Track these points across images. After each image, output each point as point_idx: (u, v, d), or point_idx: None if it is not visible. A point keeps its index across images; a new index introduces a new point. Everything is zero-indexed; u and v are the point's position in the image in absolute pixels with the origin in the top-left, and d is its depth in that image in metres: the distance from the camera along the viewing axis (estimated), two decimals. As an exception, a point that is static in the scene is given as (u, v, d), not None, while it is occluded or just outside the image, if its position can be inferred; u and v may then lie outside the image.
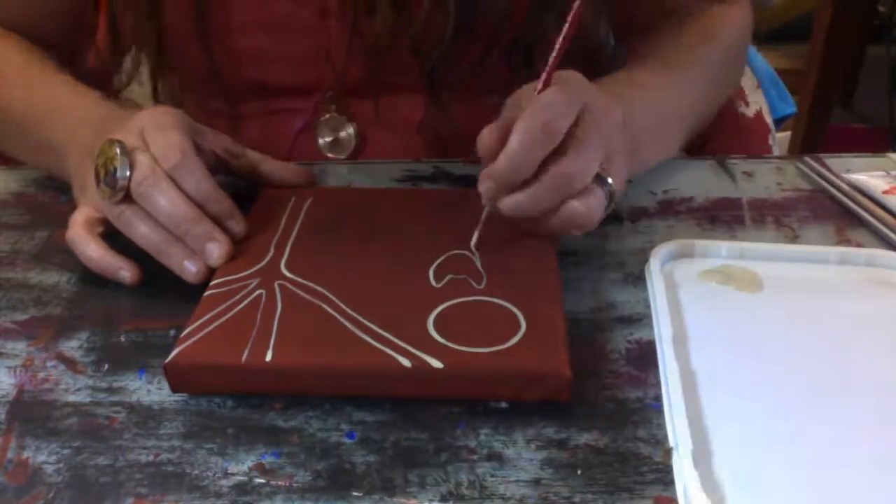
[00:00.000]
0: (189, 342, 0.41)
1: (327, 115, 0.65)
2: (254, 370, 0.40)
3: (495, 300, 0.44)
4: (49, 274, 0.51)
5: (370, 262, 0.47)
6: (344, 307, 0.43)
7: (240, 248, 0.48)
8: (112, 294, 0.49)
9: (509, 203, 0.45)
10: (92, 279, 0.50)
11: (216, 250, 0.46)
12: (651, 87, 0.58)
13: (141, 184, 0.46)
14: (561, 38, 0.45)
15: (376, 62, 0.61)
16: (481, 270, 0.46)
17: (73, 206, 0.57)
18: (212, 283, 0.45)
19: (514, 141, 0.43)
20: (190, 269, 0.46)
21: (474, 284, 0.45)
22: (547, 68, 0.46)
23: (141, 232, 0.47)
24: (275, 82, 0.64)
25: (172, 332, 0.45)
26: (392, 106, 0.65)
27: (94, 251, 0.48)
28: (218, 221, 0.47)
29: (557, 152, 0.44)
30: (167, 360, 0.40)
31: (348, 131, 0.65)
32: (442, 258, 0.47)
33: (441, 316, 0.42)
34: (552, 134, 0.44)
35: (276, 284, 0.45)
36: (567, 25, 0.45)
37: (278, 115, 0.66)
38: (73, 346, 0.45)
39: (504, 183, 0.45)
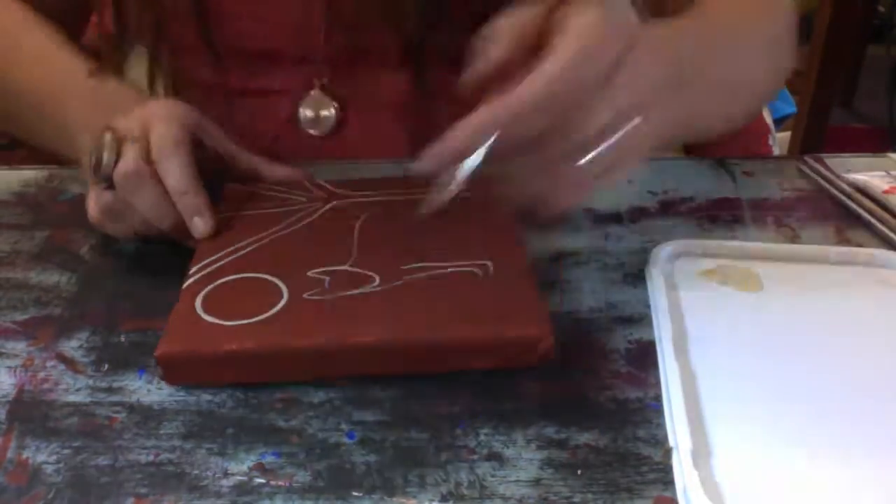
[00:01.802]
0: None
1: (312, 92, 0.65)
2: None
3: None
4: (49, 274, 0.51)
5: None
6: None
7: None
8: (112, 294, 0.49)
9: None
10: (92, 279, 0.50)
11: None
12: (733, 33, 0.53)
13: (124, 176, 0.47)
14: None
15: (354, 37, 0.61)
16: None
17: (73, 206, 0.57)
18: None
19: (537, 79, 0.36)
20: (199, 225, 0.47)
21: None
22: None
23: (124, 218, 0.48)
24: (262, 50, 0.64)
25: (172, 332, 0.45)
26: (375, 83, 0.65)
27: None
28: (188, 215, 0.48)
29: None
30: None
31: (330, 111, 0.65)
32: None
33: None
34: (575, 87, 0.37)
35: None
36: None
37: (266, 97, 0.66)
38: (73, 346, 0.45)
39: (512, 119, 0.37)
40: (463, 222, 0.48)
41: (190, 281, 0.45)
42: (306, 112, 0.66)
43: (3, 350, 0.45)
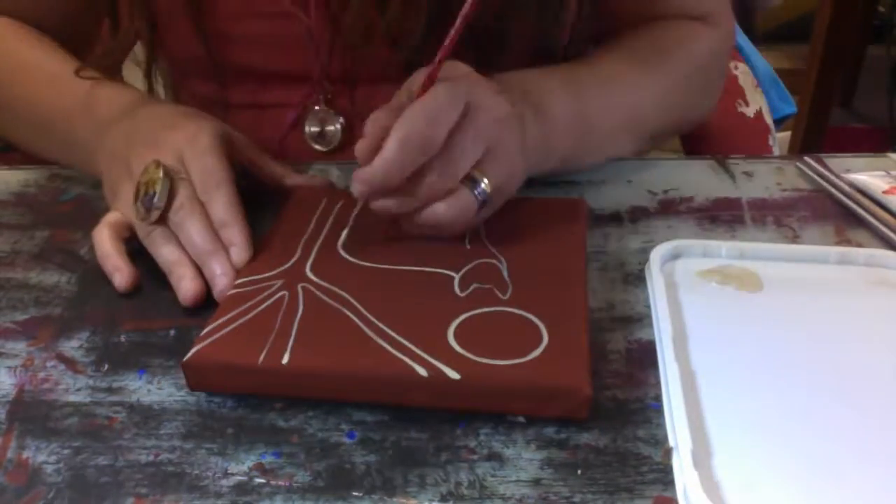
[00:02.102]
0: (208, 341, 0.41)
1: (317, 108, 0.65)
2: (270, 372, 0.40)
3: (519, 311, 0.43)
4: (49, 274, 0.51)
5: (396, 269, 0.47)
6: (365, 313, 0.43)
7: (268, 248, 0.48)
8: (112, 294, 0.49)
9: (378, 205, 0.46)
10: (92, 279, 0.50)
11: (222, 283, 0.47)
12: (613, 78, 0.58)
13: (177, 212, 0.48)
14: (452, 32, 0.44)
15: (356, 54, 0.62)
16: (507, 280, 0.45)
17: (73, 206, 0.57)
18: (237, 282, 0.45)
19: (388, 150, 0.44)
20: (186, 287, 0.47)
21: (499, 295, 0.44)
22: (434, 61, 0.45)
23: (163, 252, 0.48)
24: (264, 68, 0.64)
25: (172, 332, 0.45)
26: (374, 98, 0.64)
27: (103, 246, 0.49)
28: (228, 244, 0.48)
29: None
30: (185, 358, 0.40)
31: (335, 126, 0.65)
32: (469, 266, 0.47)
33: (462, 326, 0.42)
34: (428, 144, 0.44)
35: (299, 287, 0.45)
36: (459, 20, 0.44)
37: (268, 110, 0.66)
38: (73, 346, 0.45)
39: (375, 189, 0.45)
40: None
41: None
42: (311, 128, 0.65)
43: (3, 350, 0.45)
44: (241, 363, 0.40)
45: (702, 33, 0.64)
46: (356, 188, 0.46)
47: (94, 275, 0.50)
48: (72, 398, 0.41)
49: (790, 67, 2.00)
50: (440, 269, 0.46)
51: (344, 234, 0.49)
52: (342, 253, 0.48)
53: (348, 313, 0.43)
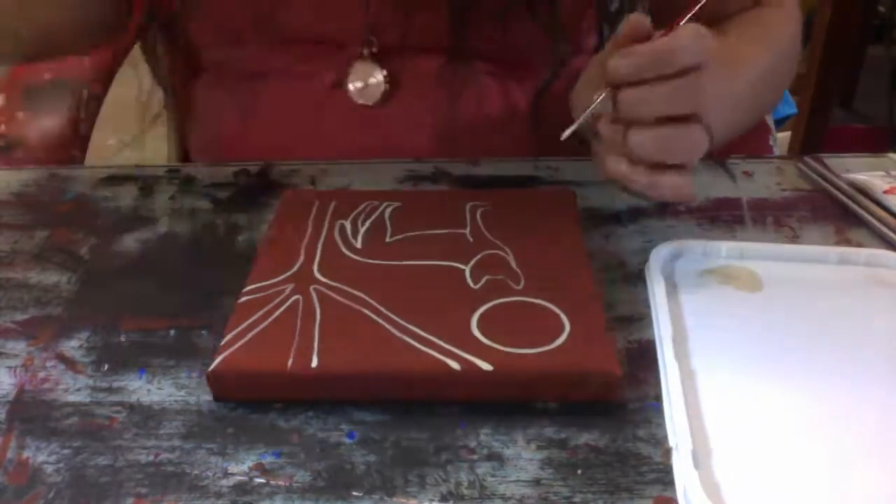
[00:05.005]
0: (231, 349, 0.40)
1: (357, 62, 0.65)
2: (300, 377, 0.39)
3: (536, 300, 0.43)
4: (49, 274, 0.51)
5: (403, 265, 0.47)
6: (383, 310, 0.43)
7: (269, 253, 0.48)
8: (112, 294, 0.49)
9: (629, 96, 0.44)
10: (92, 279, 0.50)
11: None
12: (735, 59, 0.58)
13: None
14: None
15: (405, 14, 0.62)
16: (517, 270, 0.46)
17: (73, 206, 0.57)
18: (245, 289, 0.45)
19: (681, 34, 0.43)
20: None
21: (513, 285, 0.45)
22: (686, 12, 0.45)
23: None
24: (309, 30, 0.64)
25: (172, 332, 0.45)
26: (421, 62, 0.65)
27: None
28: None
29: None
30: (210, 369, 0.40)
31: (377, 77, 0.65)
32: (477, 258, 0.47)
33: (484, 318, 0.42)
34: (691, 54, 0.43)
35: (311, 289, 0.45)
36: None
37: (308, 75, 0.66)
38: (73, 346, 0.45)
39: (640, 68, 0.43)
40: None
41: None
42: (355, 83, 0.65)
43: (3, 350, 0.45)
44: (270, 370, 0.40)
45: (780, 17, 0.66)
46: (625, 61, 0.43)
47: (94, 275, 0.50)
48: (72, 398, 0.41)
49: (790, 67, 2.00)
50: (448, 262, 0.47)
51: (347, 232, 0.49)
52: (346, 252, 0.48)
53: (367, 312, 0.43)
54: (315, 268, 0.47)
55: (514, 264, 0.46)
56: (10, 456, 0.38)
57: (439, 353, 0.40)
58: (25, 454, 0.38)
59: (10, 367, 0.43)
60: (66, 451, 0.38)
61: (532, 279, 0.45)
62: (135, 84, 0.70)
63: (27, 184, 0.61)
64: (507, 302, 0.43)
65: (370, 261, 0.47)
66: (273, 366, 0.40)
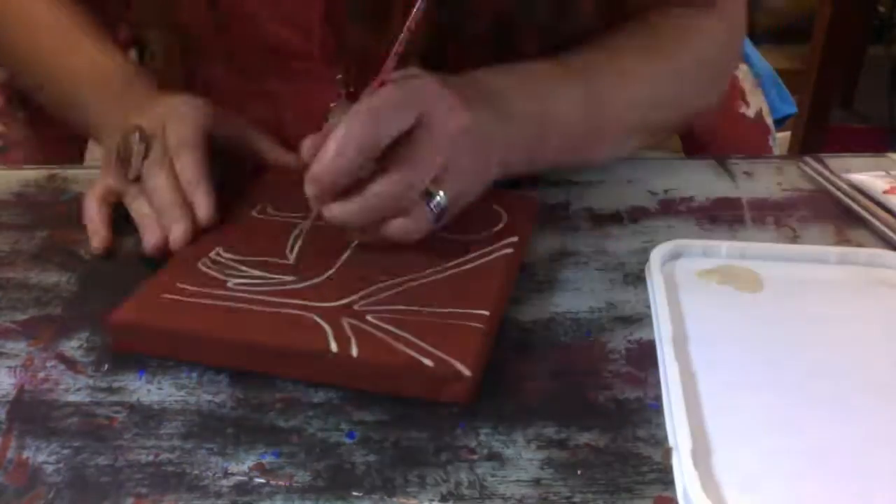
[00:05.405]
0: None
1: (335, 103, 0.63)
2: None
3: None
4: (49, 274, 0.51)
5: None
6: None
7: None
8: (112, 294, 0.48)
9: (330, 212, 0.46)
10: (92, 279, 0.50)
11: (177, 232, 0.50)
12: (618, 70, 0.56)
13: (148, 168, 0.52)
14: (399, 39, 0.44)
15: (372, 35, 0.59)
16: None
17: (73, 206, 0.57)
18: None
19: (330, 147, 0.43)
20: (148, 239, 0.50)
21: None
22: (382, 70, 0.45)
23: (134, 206, 0.52)
24: (281, 46, 0.63)
25: (172, 332, 0.45)
26: None
27: (89, 209, 0.53)
28: (193, 202, 0.51)
29: (383, 167, 0.44)
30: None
31: None
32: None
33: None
34: (370, 144, 0.43)
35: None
36: (406, 26, 0.44)
37: (306, 93, 0.65)
38: (73, 346, 0.45)
39: (324, 189, 0.45)
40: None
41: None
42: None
43: (3, 350, 0.44)
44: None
45: (705, 25, 0.61)
46: (308, 190, 0.45)
47: (94, 275, 0.50)
48: (72, 398, 0.41)
49: (790, 67, 2.00)
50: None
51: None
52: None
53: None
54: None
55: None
56: (10, 456, 0.38)
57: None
58: (25, 454, 0.38)
59: (10, 367, 0.43)
60: (66, 451, 0.38)
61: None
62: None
63: (27, 184, 0.61)
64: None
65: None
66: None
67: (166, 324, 0.43)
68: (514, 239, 0.49)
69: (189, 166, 0.51)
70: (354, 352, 0.40)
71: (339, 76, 0.62)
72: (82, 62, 0.61)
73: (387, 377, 0.40)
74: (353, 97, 0.62)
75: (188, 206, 0.50)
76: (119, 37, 0.70)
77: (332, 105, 0.64)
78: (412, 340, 0.41)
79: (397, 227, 0.46)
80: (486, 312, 0.43)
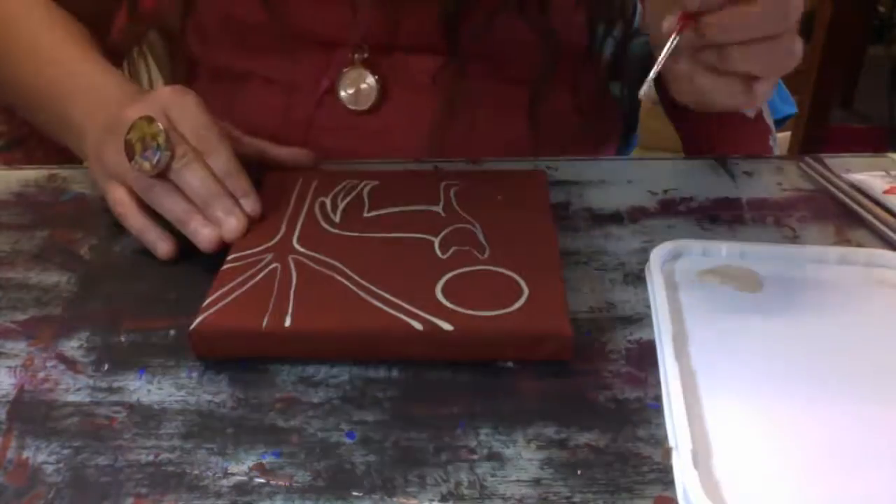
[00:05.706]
0: (211, 311, 0.43)
1: (348, 68, 0.65)
2: (273, 335, 0.42)
3: (498, 269, 0.46)
4: (49, 274, 0.51)
5: (378, 237, 0.49)
6: (356, 277, 0.45)
7: (253, 226, 0.50)
8: (112, 294, 0.49)
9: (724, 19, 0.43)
10: (92, 279, 0.50)
11: (233, 223, 0.49)
12: None
13: (179, 161, 0.49)
14: None
15: (396, 14, 0.62)
16: (484, 243, 0.48)
17: (73, 206, 0.57)
18: (228, 258, 0.47)
19: None
20: (207, 235, 0.49)
21: (478, 255, 0.47)
22: None
23: (168, 204, 0.50)
24: (300, 28, 0.64)
25: (172, 332, 0.45)
26: (411, 61, 0.65)
27: (136, 221, 0.51)
28: (236, 198, 0.50)
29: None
30: (192, 327, 0.42)
31: (369, 82, 0.65)
32: (446, 231, 0.50)
33: (449, 283, 0.45)
34: None
35: (289, 258, 0.47)
36: None
37: (298, 80, 0.66)
38: (73, 346, 0.45)
39: None
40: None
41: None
42: (346, 91, 0.65)
43: (3, 350, 0.45)
44: (247, 328, 0.42)
45: None
46: None
47: (94, 275, 0.50)
48: (72, 398, 0.41)
49: (790, 67, 2.00)
50: (419, 235, 0.49)
51: (327, 208, 0.52)
52: (325, 226, 0.51)
53: (340, 278, 0.45)
54: (295, 240, 0.49)
55: (481, 237, 0.49)
56: (10, 456, 0.38)
57: (404, 314, 0.42)
58: (25, 454, 0.38)
59: (10, 367, 0.43)
60: (66, 451, 0.38)
61: (497, 250, 0.48)
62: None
63: (27, 184, 0.61)
64: (471, 270, 0.46)
65: (347, 233, 0.50)
66: (249, 325, 0.42)
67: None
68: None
69: (224, 159, 0.50)
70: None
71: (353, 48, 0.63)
72: (69, 76, 0.59)
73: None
74: (367, 64, 0.64)
75: (231, 196, 0.50)
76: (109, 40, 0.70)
77: (343, 70, 0.64)
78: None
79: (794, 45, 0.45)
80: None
